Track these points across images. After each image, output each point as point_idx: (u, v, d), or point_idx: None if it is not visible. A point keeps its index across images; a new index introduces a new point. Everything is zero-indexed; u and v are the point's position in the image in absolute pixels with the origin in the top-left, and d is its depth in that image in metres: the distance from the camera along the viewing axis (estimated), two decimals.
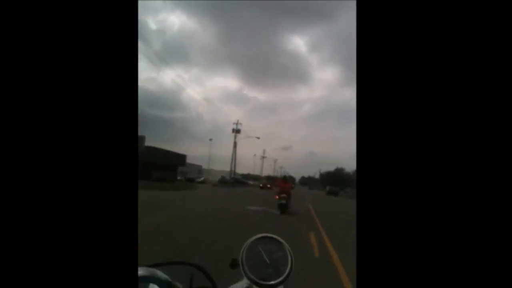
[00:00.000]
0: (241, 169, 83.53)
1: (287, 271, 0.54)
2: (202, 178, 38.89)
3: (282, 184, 10.63)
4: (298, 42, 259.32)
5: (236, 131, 43.55)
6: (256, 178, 75.43)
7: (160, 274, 0.52)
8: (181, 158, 38.39)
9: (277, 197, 10.02)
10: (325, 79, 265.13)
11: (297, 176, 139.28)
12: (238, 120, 47.40)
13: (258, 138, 46.83)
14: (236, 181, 44.04)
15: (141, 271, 0.50)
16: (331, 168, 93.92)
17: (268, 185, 40.28)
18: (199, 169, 59.17)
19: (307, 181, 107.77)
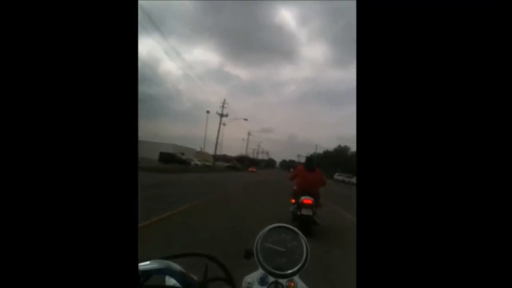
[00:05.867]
0: (209, 148, 61.74)
1: (302, 260, 0.54)
2: None
3: (306, 173, 4.99)
4: (286, 15, 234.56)
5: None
6: (226, 158, 55.15)
7: (174, 266, 0.52)
8: None
9: (293, 200, 4.98)
10: (313, 58, 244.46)
11: (278, 159, 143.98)
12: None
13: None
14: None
15: (155, 264, 0.50)
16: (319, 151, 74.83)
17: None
18: None
19: (288, 165, 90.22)
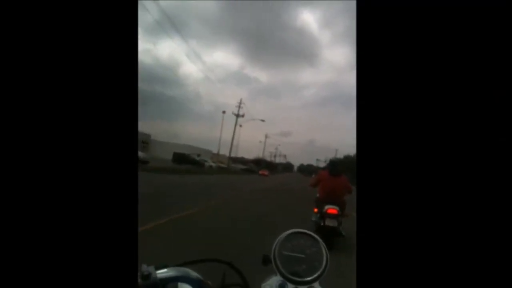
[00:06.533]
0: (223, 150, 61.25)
1: (322, 267, 0.53)
2: None
3: (330, 179, 4.52)
4: (308, 18, 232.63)
5: None
6: (243, 161, 54.17)
7: (191, 273, 0.52)
8: None
9: (315, 209, 4.54)
10: (335, 61, 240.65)
11: (296, 163, 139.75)
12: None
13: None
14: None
15: (172, 272, 0.50)
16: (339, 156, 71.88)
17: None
18: (143, 139, 36.86)
19: (306, 169, 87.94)
